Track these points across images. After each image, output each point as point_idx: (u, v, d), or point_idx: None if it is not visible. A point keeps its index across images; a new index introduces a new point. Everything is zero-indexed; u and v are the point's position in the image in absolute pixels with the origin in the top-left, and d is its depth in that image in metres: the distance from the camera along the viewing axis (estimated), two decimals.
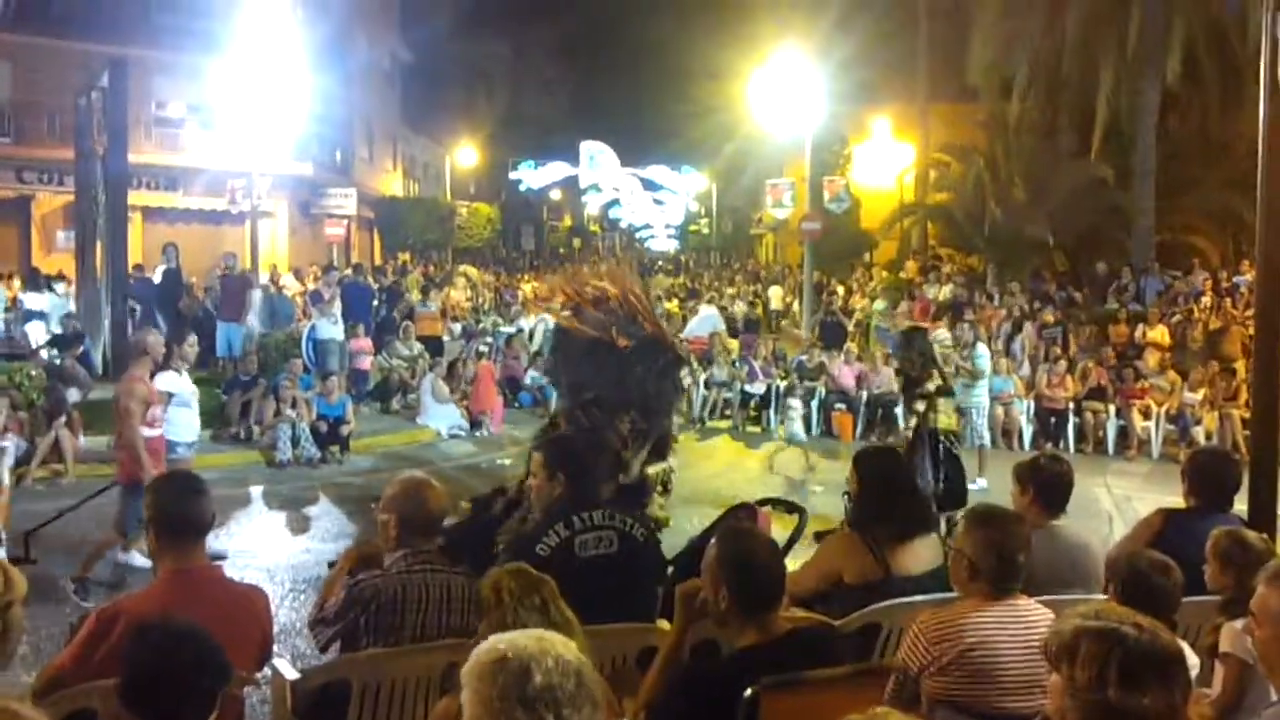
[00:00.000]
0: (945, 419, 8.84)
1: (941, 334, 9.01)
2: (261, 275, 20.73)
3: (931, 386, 8.49)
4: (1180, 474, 5.05)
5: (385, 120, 40.01)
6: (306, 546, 9.13)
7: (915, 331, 9.75)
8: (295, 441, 12.73)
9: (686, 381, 6.34)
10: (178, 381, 8.51)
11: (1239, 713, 3.44)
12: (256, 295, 17.41)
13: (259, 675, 3.83)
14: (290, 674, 3.91)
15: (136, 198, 22.72)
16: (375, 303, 19.43)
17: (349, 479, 12.09)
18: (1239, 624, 3.59)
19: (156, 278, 18.39)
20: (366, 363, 16.43)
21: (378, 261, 32.67)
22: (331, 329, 15.74)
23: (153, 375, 8.05)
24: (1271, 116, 5.10)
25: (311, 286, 20.27)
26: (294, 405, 13.12)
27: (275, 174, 26.55)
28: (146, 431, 7.61)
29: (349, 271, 21.27)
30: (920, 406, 8.35)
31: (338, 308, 16.28)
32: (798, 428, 13.18)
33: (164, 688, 2.63)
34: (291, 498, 11.20)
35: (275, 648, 4.25)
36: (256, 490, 11.44)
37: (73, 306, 17.58)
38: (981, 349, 12.78)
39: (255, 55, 20.36)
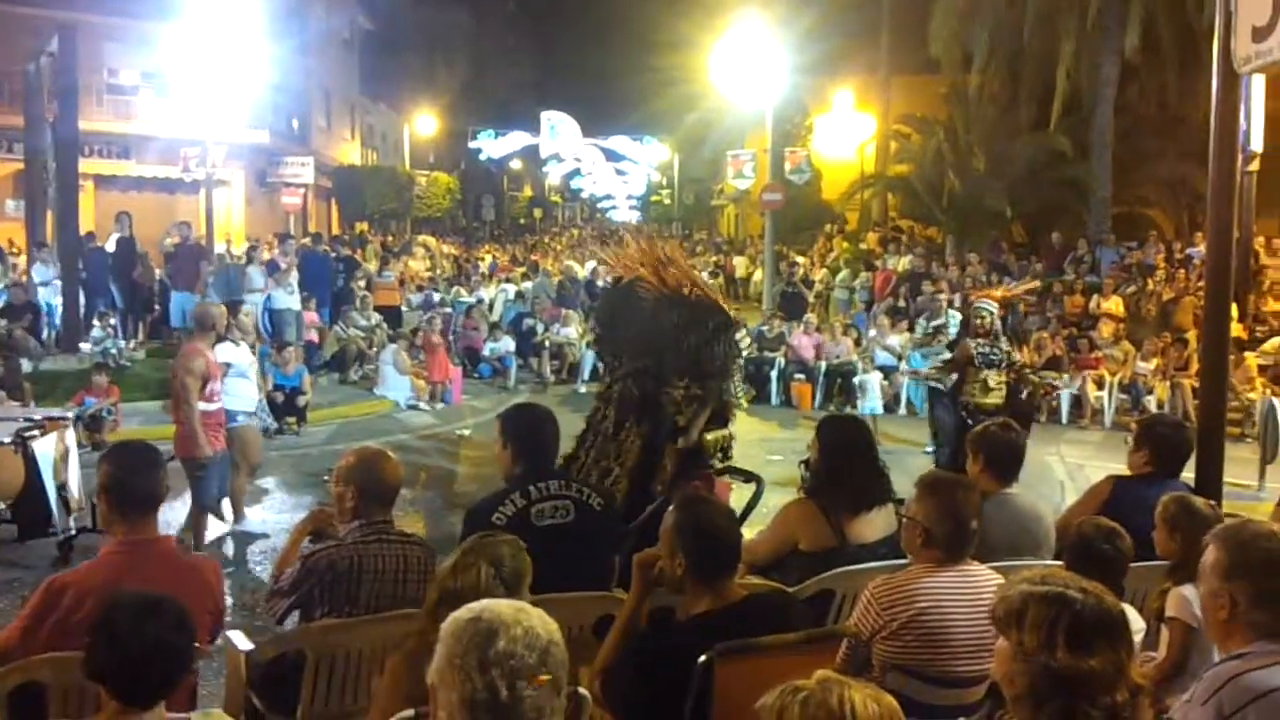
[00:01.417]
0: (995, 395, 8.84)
1: (982, 303, 9.02)
2: (217, 245, 20.46)
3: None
4: (1134, 440, 5.11)
5: (343, 88, 39.49)
6: (262, 518, 9.05)
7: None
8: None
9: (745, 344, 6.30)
10: (235, 352, 8.51)
11: (1184, 675, 3.51)
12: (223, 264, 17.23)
13: (212, 647, 3.81)
14: (244, 645, 3.89)
15: (88, 165, 22.35)
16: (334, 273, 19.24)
17: (306, 450, 12.00)
18: (1186, 589, 3.66)
19: (110, 246, 18.10)
20: (315, 335, 16.29)
21: (335, 231, 32.32)
22: (287, 299, 15.58)
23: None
24: (1224, 90, 5.14)
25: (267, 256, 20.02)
26: None
27: (231, 142, 26.11)
28: (205, 406, 7.50)
29: (307, 241, 21.03)
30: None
31: (294, 278, 16.11)
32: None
33: (132, 657, 2.61)
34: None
35: (230, 620, 4.24)
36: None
37: (23, 276, 17.26)
38: (955, 315, 12.89)
39: (210, 21, 19.96)
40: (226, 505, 8.34)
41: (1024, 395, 8.98)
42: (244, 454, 8.34)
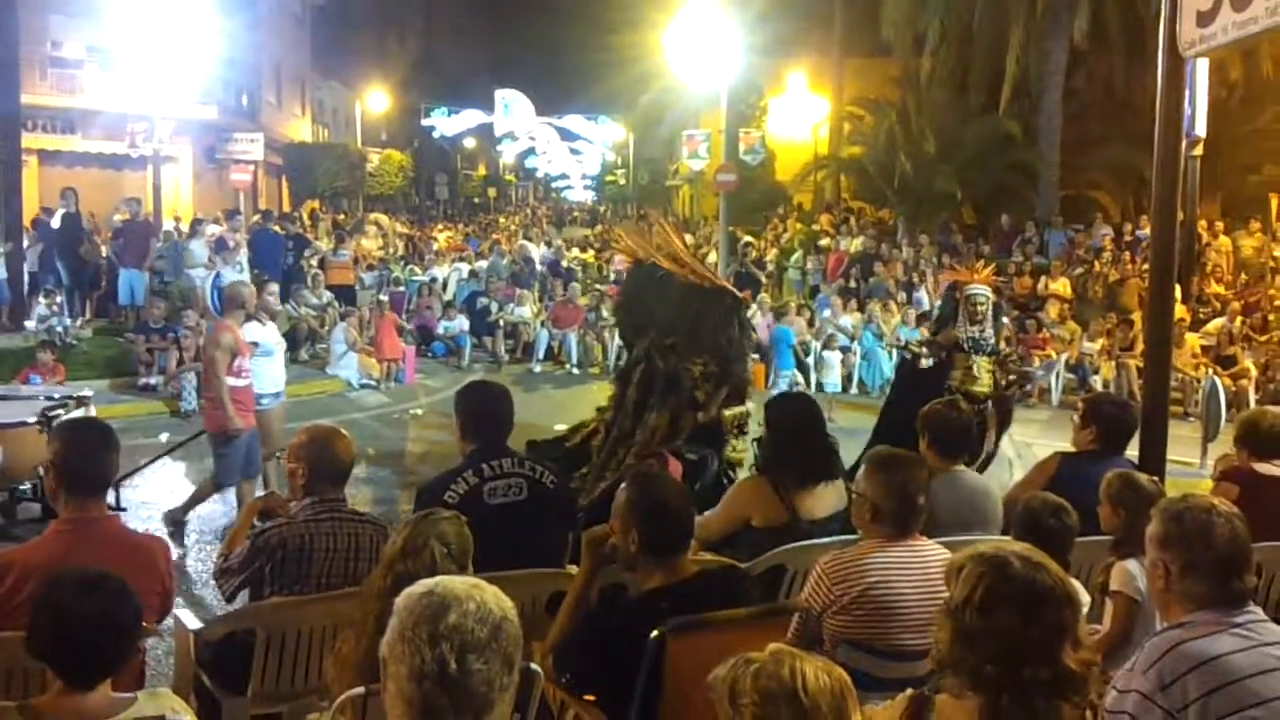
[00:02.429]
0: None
1: (975, 288, 8.71)
2: (165, 222, 20.14)
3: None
4: (1080, 418, 5.20)
5: (294, 64, 38.93)
6: (212, 497, 8.94)
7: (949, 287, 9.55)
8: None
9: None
10: (261, 331, 8.36)
11: (1128, 647, 3.58)
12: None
13: (160, 627, 3.77)
14: (193, 624, 3.87)
15: (31, 140, 21.87)
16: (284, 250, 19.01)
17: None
18: (1129, 563, 3.74)
19: (55, 222, 17.75)
20: None
21: (286, 208, 31.92)
22: (236, 278, 15.33)
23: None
24: (1169, 75, 5.22)
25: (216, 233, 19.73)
26: (198, 355, 12.82)
27: (178, 118, 25.67)
28: (234, 382, 7.49)
29: (257, 219, 20.75)
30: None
31: (243, 255, 15.89)
32: None
33: (75, 634, 2.58)
34: (196, 448, 10.94)
35: (180, 599, 4.19)
36: (162, 440, 11.15)
37: None
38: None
39: None
40: (259, 485, 8.23)
41: (1004, 385, 8.90)
42: (265, 437, 8.24)
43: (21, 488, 7.94)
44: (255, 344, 8.08)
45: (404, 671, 1.89)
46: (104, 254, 17.80)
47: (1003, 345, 9.49)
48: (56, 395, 8.29)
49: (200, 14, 21.16)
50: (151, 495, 9.01)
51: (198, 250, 16.21)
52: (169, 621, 3.89)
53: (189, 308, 14.59)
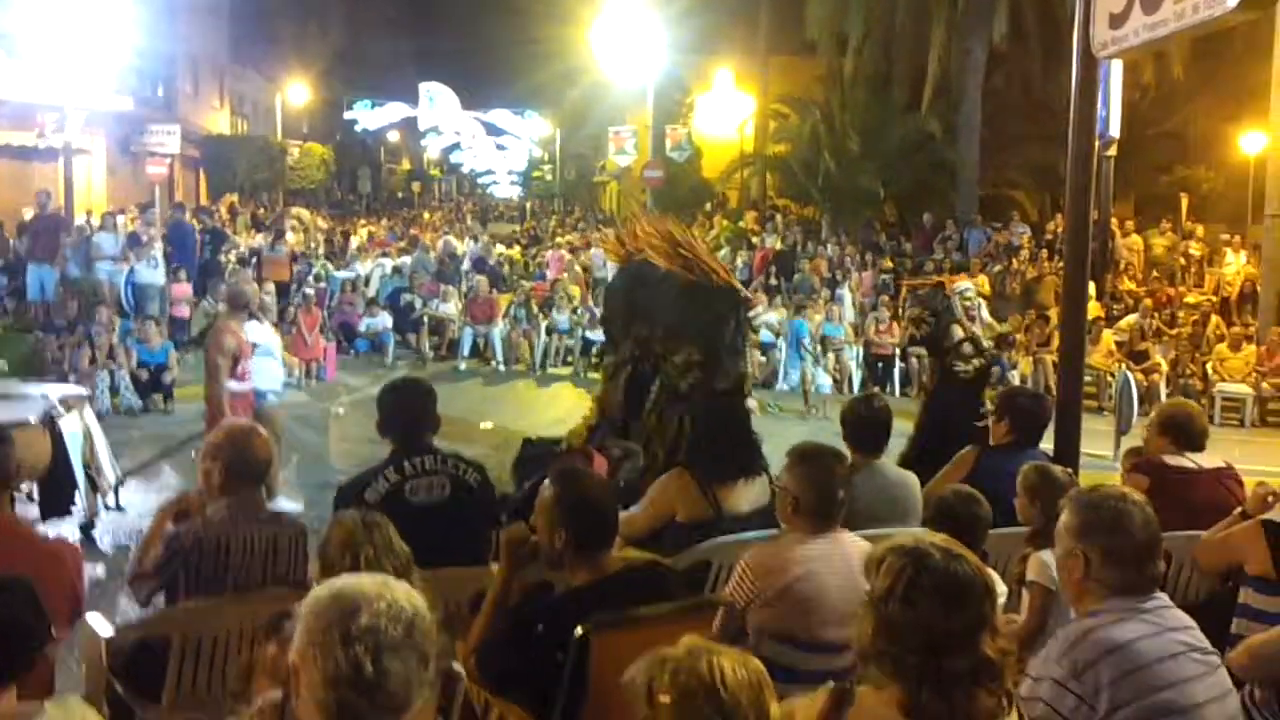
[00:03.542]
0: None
1: (963, 285, 8.53)
2: (78, 216, 19.56)
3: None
4: (995, 411, 5.31)
5: (212, 54, 38.05)
6: (126, 500, 8.70)
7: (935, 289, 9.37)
8: (114, 390, 12.16)
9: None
10: (261, 331, 8.34)
11: (1045, 636, 3.65)
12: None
13: (71, 634, 3.66)
14: (105, 631, 3.76)
15: None
16: (199, 245, 18.60)
17: (174, 429, 11.58)
18: (1045, 554, 3.81)
19: None
20: (186, 310, 15.74)
21: (204, 202, 31.23)
22: (151, 273, 15.01)
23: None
24: (1083, 75, 5.34)
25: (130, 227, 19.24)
26: (111, 353, 12.50)
27: (91, 109, 24.96)
28: (236, 385, 7.36)
29: (171, 212, 20.27)
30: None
31: (158, 250, 15.51)
32: None
33: None
34: (111, 449, 10.67)
35: (95, 606, 4.06)
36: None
37: None
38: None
39: None
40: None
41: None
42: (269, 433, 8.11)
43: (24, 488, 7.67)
44: (254, 344, 8.01)
45: (317, 678, 1.85)
46: (12, 248, 17.26)
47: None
48: (56, 393, 8.03)
49: (113, 2, 20.56)
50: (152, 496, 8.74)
51: (106, 244, 15.76)
52: (80, 629, 3.78)
53: (102, 304, 14.19)
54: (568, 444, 6.83)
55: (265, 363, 8.35)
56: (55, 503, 7.42)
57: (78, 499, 7.48)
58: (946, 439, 5.76)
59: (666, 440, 5.88)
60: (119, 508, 7.50)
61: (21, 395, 8.21)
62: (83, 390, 8.82)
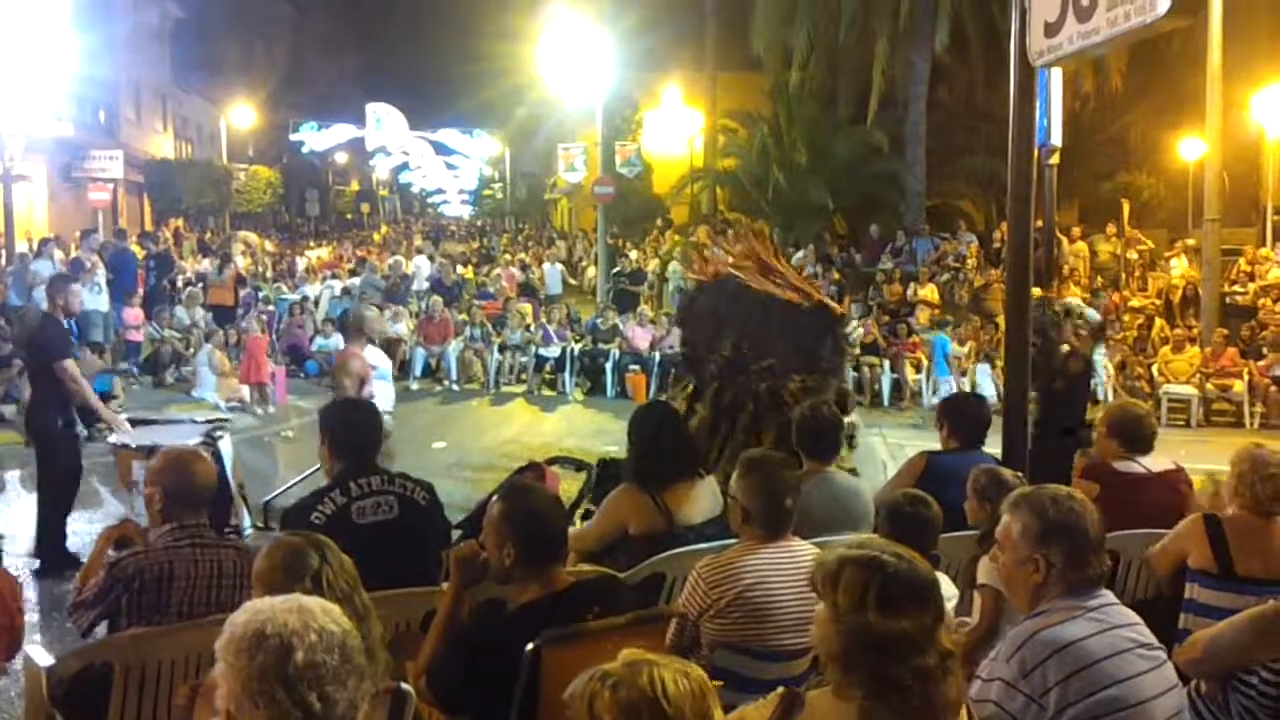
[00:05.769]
0: None
1: (1073, 302, 8.41)
2: (18, 244, 19.24)
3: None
4: (937, 418, 5.36)
5: (154, 79, 37.63)
6: (71, 529, 8.53)
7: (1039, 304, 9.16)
8: None
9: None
10: (376, 355, 8.28)
11: (996, 639, 3.67)
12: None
13: (10, 665, 3.57)
14: (44, 661, 3.66)
15: None
16: (143, 271, 18.32)
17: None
18: None
19: None
20: (138, 334, 15.51)
21: (148, 227, 30.82)
22: (94, 299, 14.73)
23: None
24: (1021, 85, 5.41)
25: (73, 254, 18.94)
26: None
27: (30, 135, 24.58)
28: None
29: (113, 238, 19.97)
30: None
31: (100, 276, 15.26)
32: None
33: None
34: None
35: (37, 636, 3.97)
36: (13, 474, 10.59)
37: None
38: None
39: (7, 6, 18.74)
40: None
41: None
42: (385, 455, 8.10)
43: None
44: (374, 367, 8.02)
45: None
46: None
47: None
48: (201, 417, 8.26)
49: (52, 28, 20.29)
50: (7, 528, 8.55)
51: (43, 271, 15.47)
52: (19, 660, 3.68)
53: None
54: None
55: (381, 385, 8.39)
56: (217, 524, 7.49)
57: (234, 517, 7.53)
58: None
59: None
60: (268, 527, 7.46)
61: (182, 421, 8.58)
62: (225, 416, 9.08)
